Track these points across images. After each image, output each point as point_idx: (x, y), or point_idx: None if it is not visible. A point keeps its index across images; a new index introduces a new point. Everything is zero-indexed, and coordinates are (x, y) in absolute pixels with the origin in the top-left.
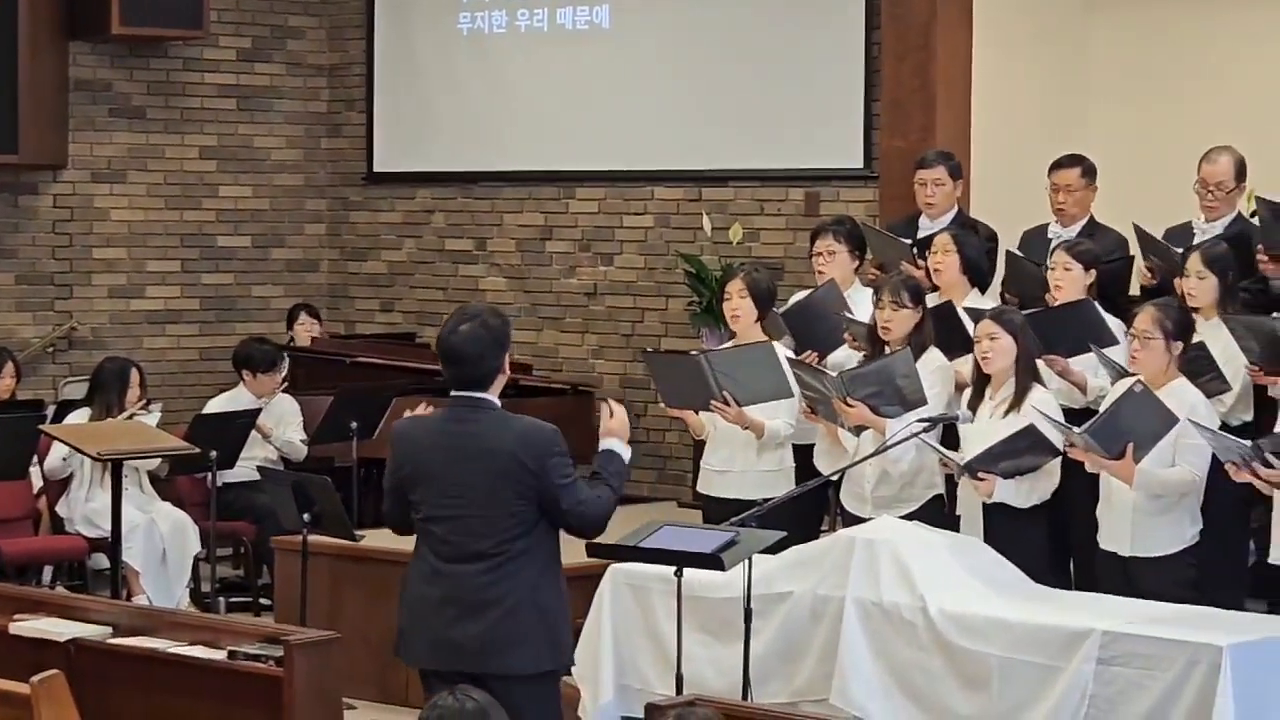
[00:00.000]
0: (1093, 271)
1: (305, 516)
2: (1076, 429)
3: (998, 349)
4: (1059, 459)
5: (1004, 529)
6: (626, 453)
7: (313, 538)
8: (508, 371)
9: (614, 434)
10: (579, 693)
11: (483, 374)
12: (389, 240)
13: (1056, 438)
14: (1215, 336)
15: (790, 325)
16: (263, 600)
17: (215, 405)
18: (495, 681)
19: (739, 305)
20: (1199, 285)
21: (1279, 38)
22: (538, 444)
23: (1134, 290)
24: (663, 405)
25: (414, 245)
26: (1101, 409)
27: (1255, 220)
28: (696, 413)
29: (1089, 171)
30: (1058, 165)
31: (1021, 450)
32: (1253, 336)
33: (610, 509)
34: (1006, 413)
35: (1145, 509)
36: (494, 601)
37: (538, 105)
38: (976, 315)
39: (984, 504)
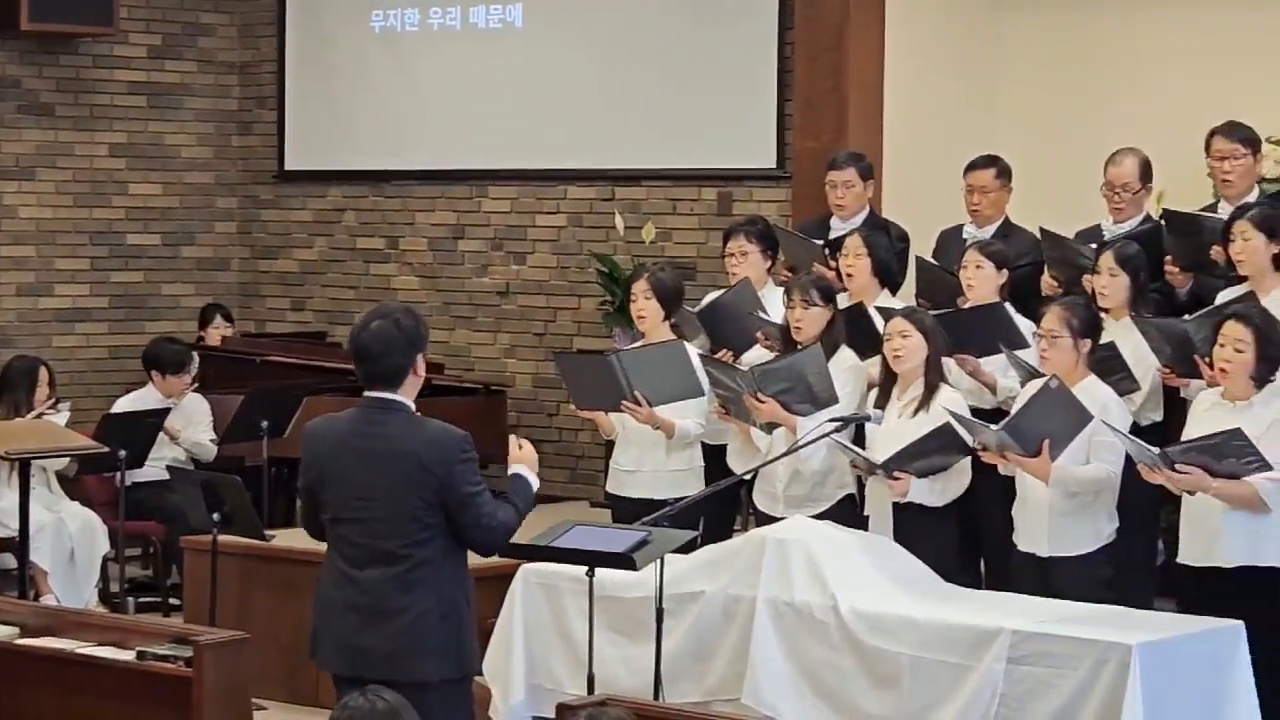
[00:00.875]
0: (1005, 271)
1: (215, 516)
2: (993, 426)
3: (908, 347)
4: (969, 458)
5: (913, 528)
6: (535, 481)
7: (222, 537)
8: (421, 373)
9: (523, 462)
10: (490, 693)
11: (389, 371)
12: (300, 239)
13: (968, 436)
14: (1125, 336)
15: (704, 324)
16: (172, 600)
17: (124, 404)
18: (403, 688)
19: (644, 306)
20: (1110, 283)
21: (1189, 38)
22: (445, 449)
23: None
24: (573, 406)
25: (325, 244)
26: (1015, 407)
27: (1161, 220)
28: (607, 413)
29: (1004, 173)
30: (973, 166)
31: (935, 449)
32: (1165, 339)
33: (511, 529)
34: (915, 412)
35: (1061, 508)
36: (399, 609)
37: (450, 104)
38: (888, 315)
39: (893, 504)
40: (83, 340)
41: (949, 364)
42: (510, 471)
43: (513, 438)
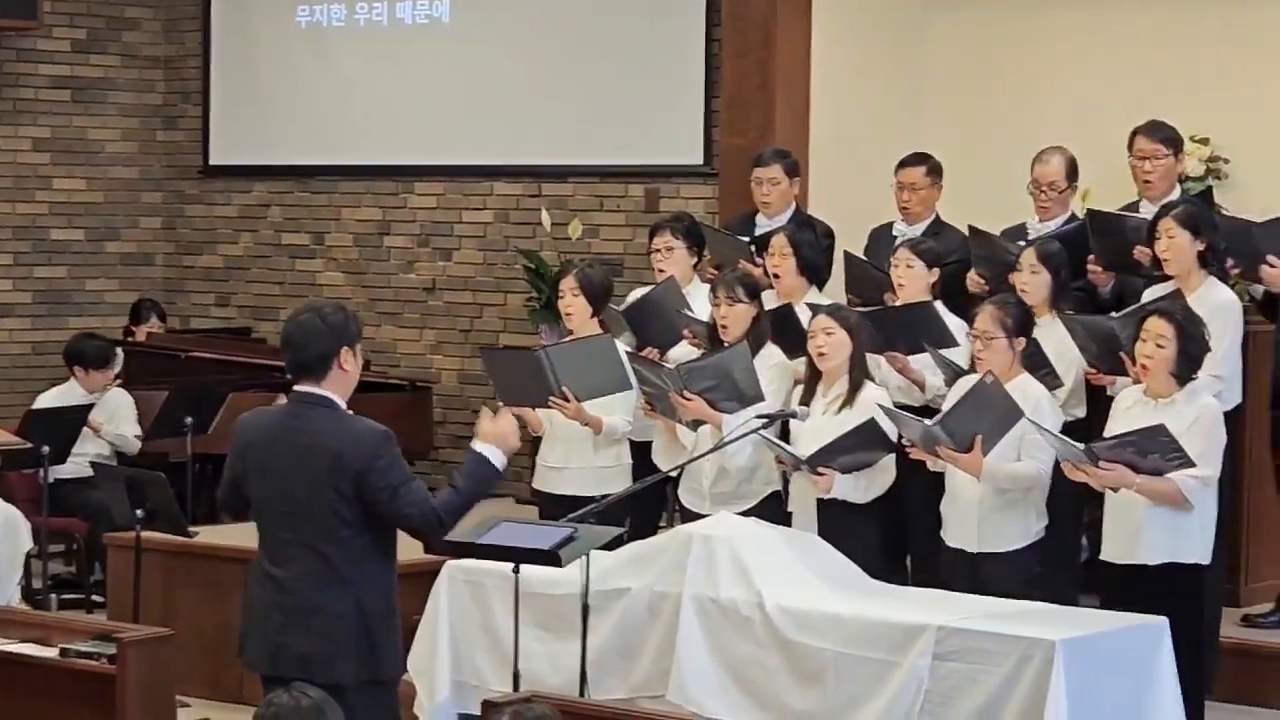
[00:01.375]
0: (936, 270)
1: (139, 513)
2: (927, 420)
3: (833, 344)
4: (894, 455)
5: (838, 525)
6: (499, 460)
7: (146, 534)
8: (349, 368)
9: (489, 438)
10: (415, 690)
11: (310, 361)
12: (225, 234)
13: (894, 432)
14: (1048, 333)
15: (630, 321)
16: (95, 597)
17: (46, 400)
18: (325, 690)
19: (572, 303)
20: (1032, 280)
21: (1114, 38)
22: (364, 447)
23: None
24: (500, 403)
25: (250, 239)
26: (947, 403)
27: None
28: (534, 409)
29: (935, 170)
30: (904, 163)
31: (859, 445)
32: (1091, 337)
33: (448, 512)
34: (840, 409)
35: (991, 505)
36: (316, 609)
37: (376, 99)
38: (813, 310)
39: (818, 500)
40: (6, 336)
41: (878, 361)
42: (473, 447)
43: (485, 407)
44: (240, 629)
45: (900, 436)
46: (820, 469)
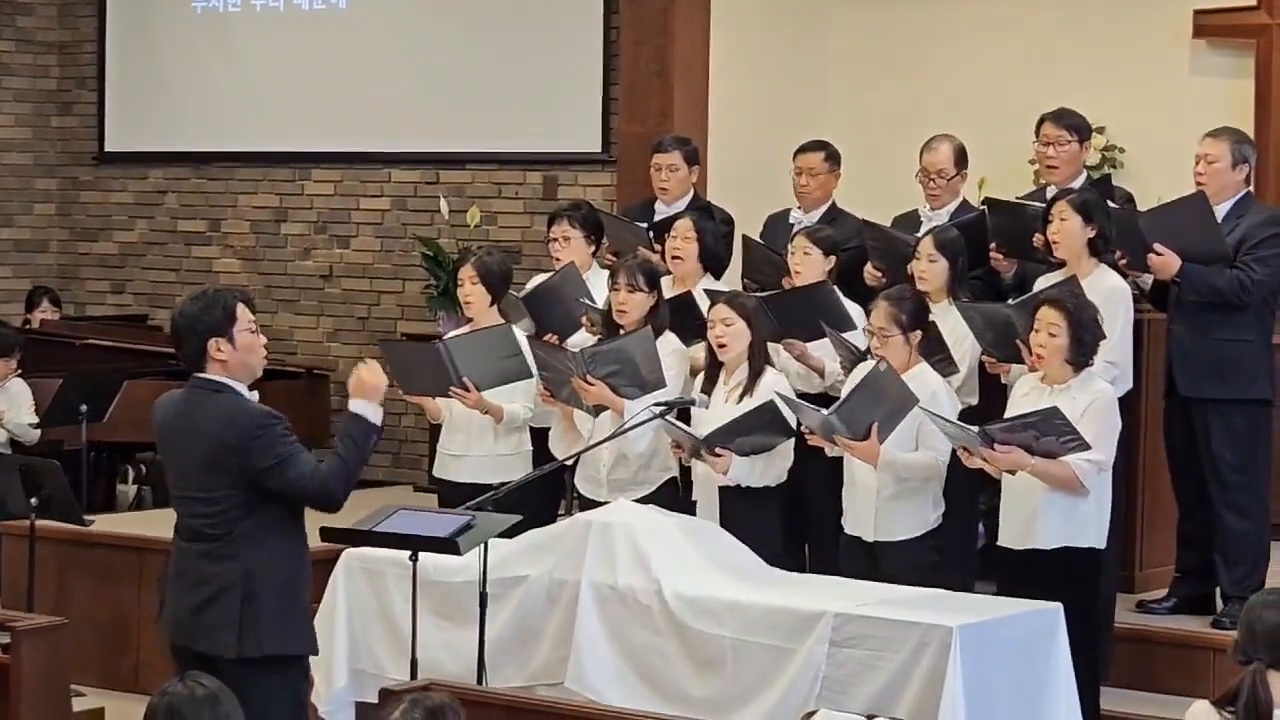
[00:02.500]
0: (833, 258)
1: (33, 501)
2: (824, 410)
3: (732, 334)
4: (792, 440)
5: (740, 512)
6: (375, 414)
7: (40, 522)
8: (226, 355)
9: (363, 393)
10: (312, 678)
11: (187, 357)
12: (120, 221)
13: (794, 419)
14: (945, 321)
15: (530, 309)
16: None
17: None
18: (211, 663)
19: (471, 291)
20: (930, 268)
21: (1012, 27)
22: (240, 426)
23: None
24: (400, 392)
25: (146, 226)
26: (844, 391)
27: (981, 207)
28: (434, 398)
29: (832, 157)
30: (802, 149)
31: (759, 427)
32: (987, 324)
33: (334, 478)
34: (741, 397)
35: (889, 493)
36: (206, 581)
37: (273, 86)
38: (712, 297)
39: (720, 487)
40: None
41: (777, 349)
42: (349, 408)
43: (358, 366)
44: (160, 596)
45: (799, 423)
46: (718, 449)
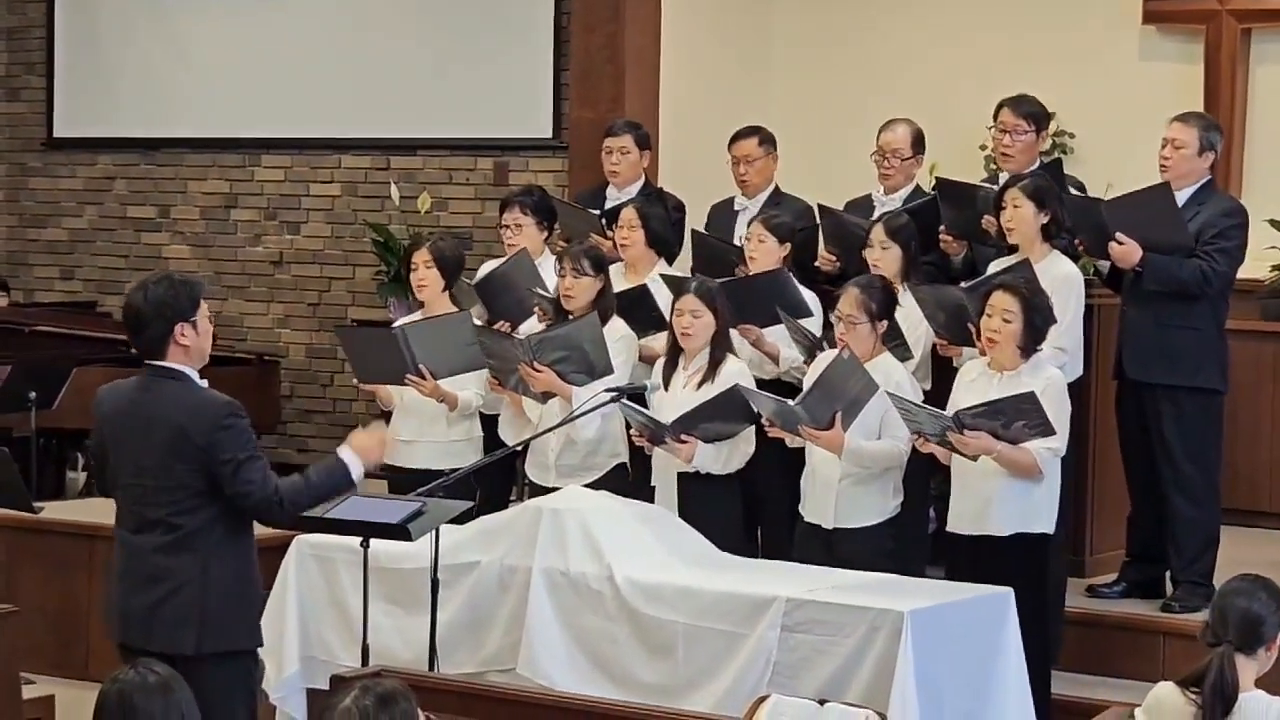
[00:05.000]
0: (788, 244)
1: None
2: (790, 401)
3: (699, 327)
4: (753, 427)
5: (698, 498)
6: (358, 472)
7: None
8: (188, 340)
9: (361, 451)
10: (263, 665)
11: (146, 344)
12: (69, 207)
13: (753, 406)
14: (900, 306)
15: (481, 296)
16: None
17: None
18: (168, 659)
19: (425, 275)
20: (883, 255)
21: (961, 14)
22: (206, 417)
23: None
24: (355, 380)
25: (95, 212)
26: (806, 381)
27: (934, 192)
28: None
29: (767, 140)
30: (736, 137)
31: (721, 414)
32: (940, 308)
33: (292, 496)
34: (700, 384)
35: (849, 481)
36: (161, 578)
37: (223, 71)
38: (672, 284)
39: (678, 473)
40: None
41: (733, 333)
42: (339, 450)
43: (372, 423)
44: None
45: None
46: (683, 436)
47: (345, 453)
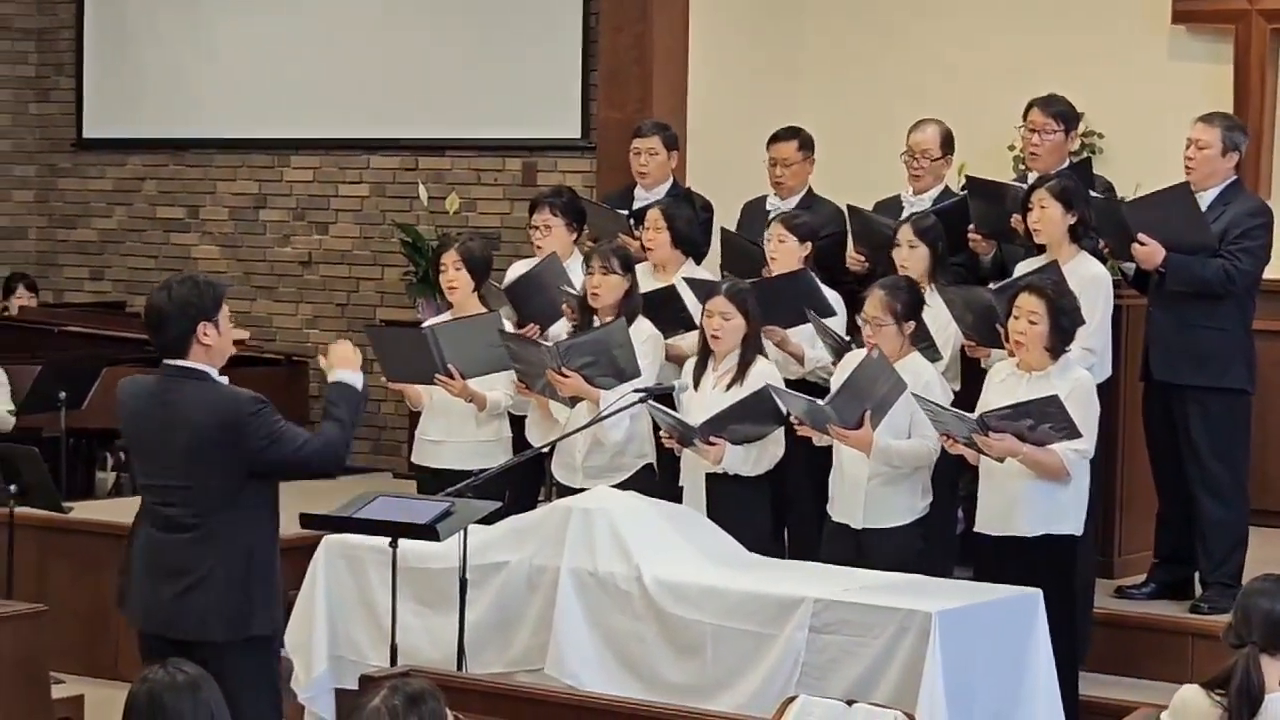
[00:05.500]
0: (809, 244)
1: (11, 488)
2: (819, 401)
3: (729, 329)
4: (783, 428)
5: (727, 499)
6: (358, 379)
7: (19, 510)
8: (211, 340)
9: (343, 364)
10: (291, 665)
11: (167, 343)
12: (99, 208)
13: (783, 406)
14: (927, 307)
15: (511, 299)
16: None
17: None
18: (192, 648)
19: (454, 277)
20: (910, 255)
21: (992, 12)
22: (229, 412)
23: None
24: (384, 380)
25: (124, 213)
26: (834, 380)
27: (963, 192)
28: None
29: (806, 144)
30: (775, 138)
31: (750, 416)
32: (968, 309)
33: (337, 441)
34: (729, 386)
35: (879, 481)
36: (188, 569)
37: (252, 71)
38: (701, 287)
39: (707, 474)
40: None
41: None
42: (330, 379)
43: (319, 353)
44: (121, 583)
45: (788, 413)
46: (711, 439)
47: (338, 374)
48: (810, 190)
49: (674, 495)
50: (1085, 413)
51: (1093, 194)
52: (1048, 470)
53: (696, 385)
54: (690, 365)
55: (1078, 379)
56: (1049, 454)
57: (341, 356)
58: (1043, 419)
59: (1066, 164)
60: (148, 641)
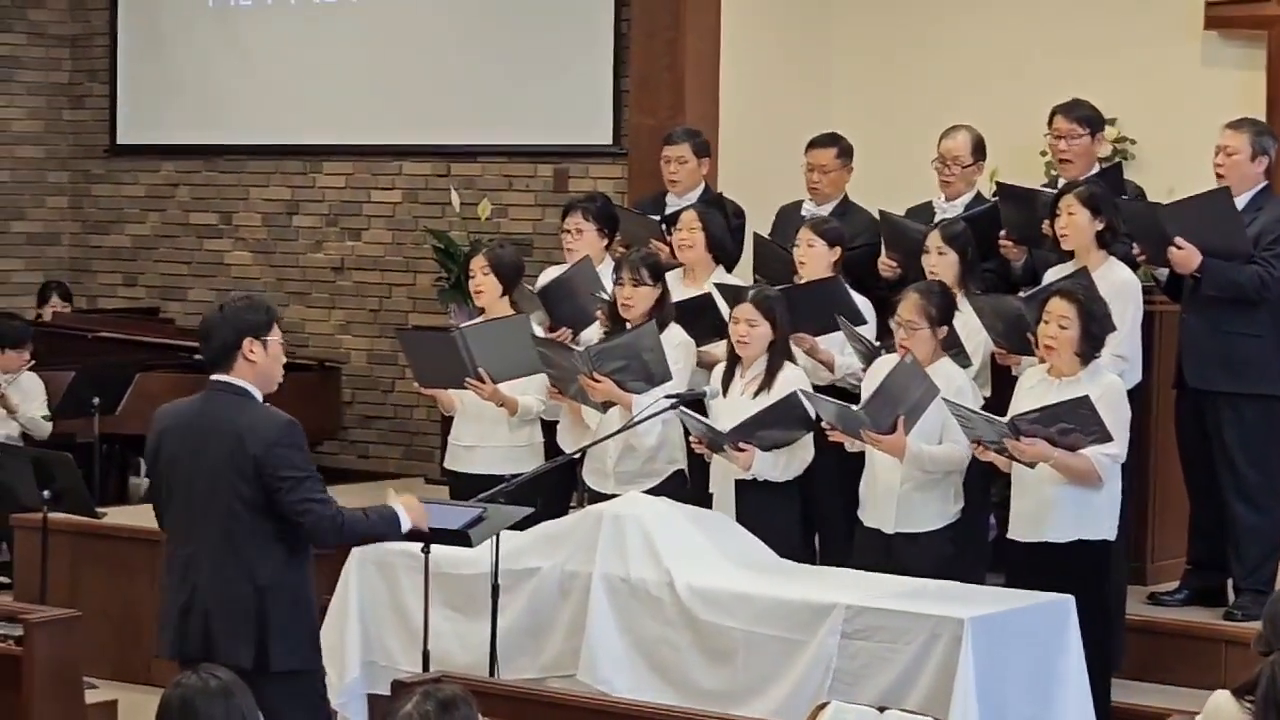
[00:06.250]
0: (838, 249)
1: (45, 493)
2: (854, 406)
3: (755, 336)
4: (812, 434)
5: (757, 505)
6: (406, 527)
7: (53, 515)
8: (258, 358)
9: (407, 508)
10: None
11: (212, 353)
12: (132, 214)
13: (813, 411)
14: (957, 313)
15: (544, 303)
16: (2, 579)
17: None
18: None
19: (483, 282)
20: (939, 261)
21: (1023, 17)
22: (266, 434)
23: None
24: (416, 384)
25: (158, 219)
26: (865, 385)
27: (994, 198)
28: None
29: (845, 152)
30: (814, 144)
31: (780, 421)
32: (998, 317)
33: (341, 523)
34: (757, 392)
35: (911, 486)
36: (219, 593)
37: (284, 77)
38: (729, 292)
39: (736, 480)
40: None
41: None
42: (389, 503)
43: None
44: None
45: (819, 418)
46: (741, 445)
47: (398, 505)
48: (846, 198)
49: (705, 501)
50: (1116, 416)
51: (1126, 198)
52: (1079, 475)
53: (725, 391)
54: (719, 371)
55: (1108, 384)
56: (1080, 459)
57: (411, 505)
58: (1073, 421)
59: (1096, 168)
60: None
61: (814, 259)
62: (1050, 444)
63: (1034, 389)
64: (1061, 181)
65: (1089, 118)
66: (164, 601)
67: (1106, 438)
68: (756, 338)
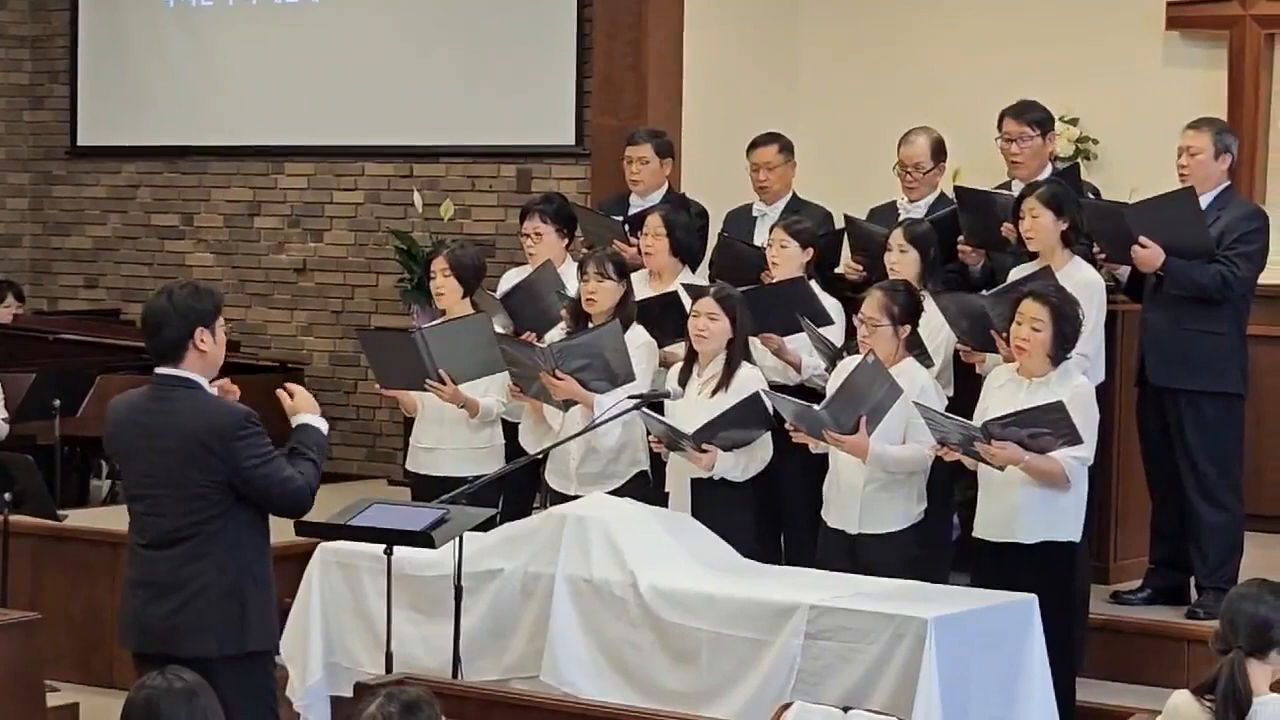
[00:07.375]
0: (810, 249)
1: (6, 496)
2: (815, 406)
3: (713, 330)
4: (770, 433)
5: (713, 504)
6: (323, 424)
7: (14, 518)
8: (207, 347)
9: (304, 410)
10: (287, 673)
11: (163, 346)
12: (93, 215)
13: (775, 410)
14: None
15: (507, 308)
16: None
17: None
18: (188, 665)
19: (444, 284)
20: (901, 259)
21: (985, 18)
22: (223, 427)
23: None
24: (378, 386)
25: (119, 220)
26: (830, 387)
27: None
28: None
29: (786, 148)
30: (755, 144)
31: (741, 421)
32: (962, 314)
33: (311, 484)
34: (714, 391)
35: (874, 487)
36: (180, 585)
37: (246, 79)
38: (695, 292)
39: (692, 479)
40: None
41: (754, 343)
42: (295, 422)
43: (280, 391)
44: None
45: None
46: (704, 446)
47: (303, 418)
48: (795, 195)
49: (661, 500)
50: (1085, 419)
51: (1090, 197)
52: (1049, 477)
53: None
54: (676, 369)
55: (1078, 385)
56: (1050, 461)
57: (306, 401)
58: (1046, 425)
59: (1050, 169)
60: (146, 662)
61: (786, 259)
62: (1022, 447)
63: (1003, 388)
64: (1015, 185)
65: (1039, 119)
66: (124, 592)
67: (1077, 440)
68: (716, 333)
